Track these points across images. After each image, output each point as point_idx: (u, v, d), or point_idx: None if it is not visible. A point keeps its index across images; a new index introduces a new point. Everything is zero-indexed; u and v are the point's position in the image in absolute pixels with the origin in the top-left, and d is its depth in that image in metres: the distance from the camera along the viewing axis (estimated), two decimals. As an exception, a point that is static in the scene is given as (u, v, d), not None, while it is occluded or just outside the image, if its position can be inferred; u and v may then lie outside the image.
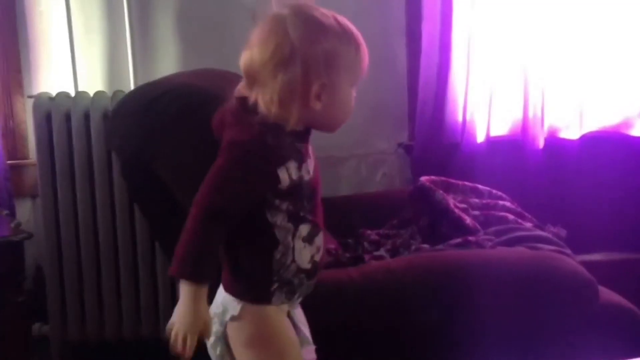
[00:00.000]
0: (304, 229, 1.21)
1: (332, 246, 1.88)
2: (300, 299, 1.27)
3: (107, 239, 2.32)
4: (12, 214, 2.37)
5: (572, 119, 2.54)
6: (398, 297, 1.50)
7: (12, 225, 2.01)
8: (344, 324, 1.49)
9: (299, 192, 1.19)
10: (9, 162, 2.42)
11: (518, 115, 2.55)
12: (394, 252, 1.92)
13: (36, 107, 2.30)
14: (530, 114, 2.50)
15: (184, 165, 1.47)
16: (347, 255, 1.81)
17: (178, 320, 1.15)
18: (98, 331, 2.37)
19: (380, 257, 1.89)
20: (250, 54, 1.17)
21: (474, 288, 1.50)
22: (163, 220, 1.61)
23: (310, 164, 1.23)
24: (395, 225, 2.08)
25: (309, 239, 1.22)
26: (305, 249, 1.22)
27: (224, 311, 1.21)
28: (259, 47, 1.16)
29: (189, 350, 1.14)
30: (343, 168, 2.62)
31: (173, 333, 1.15)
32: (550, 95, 2.52)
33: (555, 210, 2.46)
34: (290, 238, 1.19)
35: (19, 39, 2.45)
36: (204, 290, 1.15)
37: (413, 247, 1.89)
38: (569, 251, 1.91)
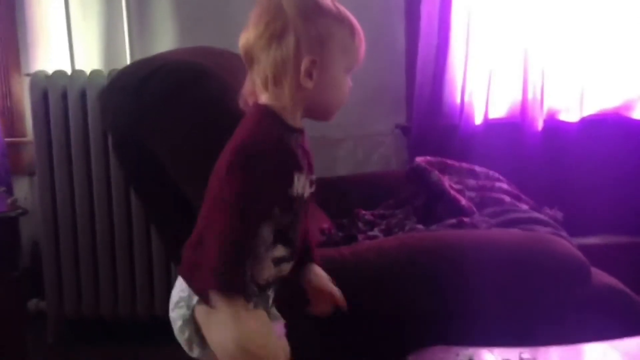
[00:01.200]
0: (280, 251, 1.17)
1: (325, 225, 1.87)
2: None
3: (103, 216, 2.33)
4: (10, 191, 2.37)
5: (572, 101, 2.50)
6: (389, 276, 1.48)
7: (9, 201, 2.01)
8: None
9: (299, 208, 1.18)
10: (6, 139, 2.42)
11: (517, 97, 2.51)
12: (387, 232, 1.90)
13: (33, 85, 2.29)
14: (530, 95, 2.47)
15: (177, 142, 1.45)
16: (341, 234, 1.79)
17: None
18: (94, 308, 2.38)
19: (374, 237, 1.87)
20: (246, 34, 1.17)
21: (466, 268, 1.48)
22: (156, 198, 1.60)
23: (307, 184, 1.20)
24: (390, 205, 2.07)
25: (277, 261, 1.18)
26: (268, 269, 1.17)
27: (190, 295, 1.17)
28: (254, 24, 1.15)
29: None
30: (339, 149, 2.60)
31: None
32: (550, 76, 2.47)
33: (553, 193, 2.44)
34: (262, 250, 1.15)
35: (16, 16, 2.44)
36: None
37: (407, 228, 1.87)
38: (564, 233, 1.89)
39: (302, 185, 1.16)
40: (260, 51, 1.14)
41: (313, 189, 1.24)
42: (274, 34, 1.13)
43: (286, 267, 1.21)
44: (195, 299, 1.16)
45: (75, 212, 2.34)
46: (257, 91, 1.18)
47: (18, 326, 1.93)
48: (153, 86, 1.50)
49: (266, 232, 1.14)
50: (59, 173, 2.32)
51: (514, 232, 1.64)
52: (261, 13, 1.15)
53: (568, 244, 1.56)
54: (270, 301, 1.23)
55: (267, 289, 1.20)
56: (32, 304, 2.43)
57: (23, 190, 2.50)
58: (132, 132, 1.51)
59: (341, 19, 1.17)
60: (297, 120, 1.18)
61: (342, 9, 1.18)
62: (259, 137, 1.12)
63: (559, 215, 2.05)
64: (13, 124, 2.50)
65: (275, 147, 1.11)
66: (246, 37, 1.17)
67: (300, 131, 1.18)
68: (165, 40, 2.49)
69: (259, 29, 1.14)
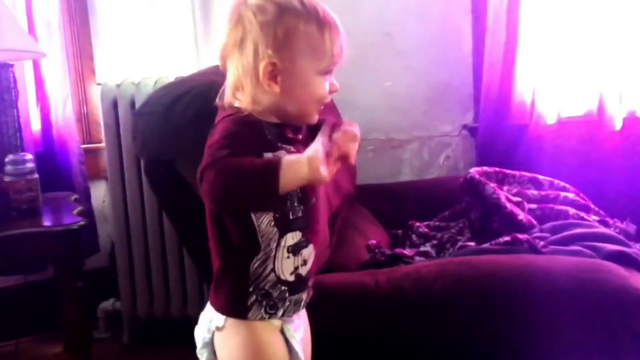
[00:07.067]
0: (290, 238, 1.08)
1: (374, 241, 1.74)
2: (287, 315, 1.12)
3: (171, 221, 2.29)
4: (86, 197, 2.38)
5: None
6: (424, 308, 1.34)
7: (75, 212, 2.00)
8: (366, 331, 1.35)
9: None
10: (84, 146, 2.43)
11: (593, 93, 2.27)
12: (439, 248, 1.76)
13: (103, 94, 2.26)
14: (607, 92, 2.21)
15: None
16: (386, 253, 1.66)
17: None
18: (164, 309, 2.35)
19: (425, 253, 1.73)
20: (221, 42, 1.09)
21: (507, 300, 1.32)
22: (186, 222, 1.53)
23: None
24: (446, 217, 1.91)
25: (294, 250, 1.09)
26: (289, 260, 1.08)
27: (211, 320, 1.12)
28: (223, 31, 1.08)
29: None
30: (404, 151, 2.43)
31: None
32: (630, 71, 2.21)
33: (632, 198, 2.21)
34: (273, 245, 1.06)
35: (90, 27, 2.43)
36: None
37: (459, 244, 1.72)
38: (635, 249, 1.68)
39: None
40: (227, 60, 1.07)
41: None
42: (235, 42, 1.04)
43: (307, 253, 1.11)
44: (215, 324, 1.12)
45: (145, 216, 2.32)
46: (228, 97, 1.09)
47: (83, 332, 1.91)
48: (180, 110, 1.43)
49: (266, 224, 1.06)
50: (129, 178, 2.29)
51: (564, 260, 1.44)
52: (227, 21, 1.07)
53: (624, 274, 1.35)
54: (303, 304, 1.14)
55: (300, 287, 1.11)
56: (109, 304, 2.43)
57: (101, 194, 2.51)
58: (160, 156, 1.44)
59: (307, 16, 1.03)
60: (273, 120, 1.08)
61: (312, 5, 1.04)
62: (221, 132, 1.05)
63: (631, 228, 1.82)
64: (90, 131, 2.50)
65: (230, 133, 1.03)
66: (219, 45, 1.09)
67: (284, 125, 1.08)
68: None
69: (224, 38, 1.07)
